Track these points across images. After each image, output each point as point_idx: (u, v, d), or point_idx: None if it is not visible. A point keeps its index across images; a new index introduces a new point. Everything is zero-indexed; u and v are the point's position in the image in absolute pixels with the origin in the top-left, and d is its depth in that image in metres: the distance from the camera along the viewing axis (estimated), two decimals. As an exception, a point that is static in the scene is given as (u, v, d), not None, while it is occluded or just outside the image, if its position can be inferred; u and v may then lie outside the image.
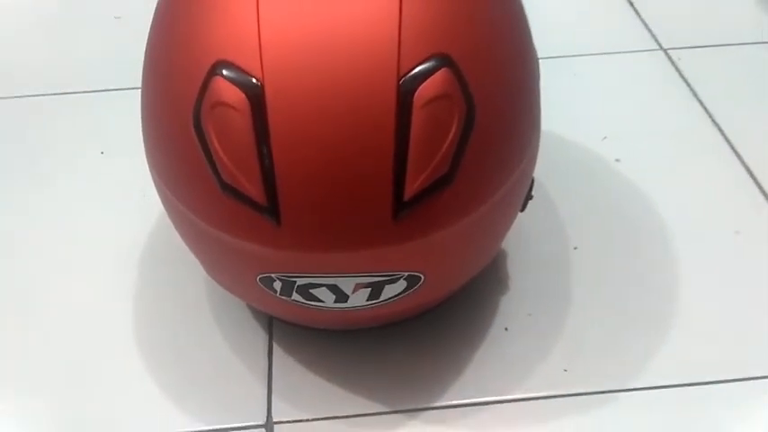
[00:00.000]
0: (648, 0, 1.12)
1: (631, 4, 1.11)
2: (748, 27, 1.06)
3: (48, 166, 0.89)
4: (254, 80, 0.51)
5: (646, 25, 1.07)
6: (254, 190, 0.53)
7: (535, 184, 0.68)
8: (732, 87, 0.96)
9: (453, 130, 0.53)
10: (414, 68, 0.51)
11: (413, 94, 0.51)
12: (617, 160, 0.86)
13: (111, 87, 0.99)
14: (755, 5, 1.10)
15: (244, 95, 0.51)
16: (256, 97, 0.51)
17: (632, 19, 1.09)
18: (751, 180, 0.83)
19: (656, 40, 1.04)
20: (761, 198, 0.81)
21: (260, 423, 0.64)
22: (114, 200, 0.84)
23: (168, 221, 0.66)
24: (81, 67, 1.03)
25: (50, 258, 0.78)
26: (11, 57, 1.06)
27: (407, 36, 0.51)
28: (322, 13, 0.51)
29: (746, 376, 0.66)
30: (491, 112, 0.55)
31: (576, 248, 0.77)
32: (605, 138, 0.89)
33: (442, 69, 0.52)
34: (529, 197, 0.67)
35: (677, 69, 0.99)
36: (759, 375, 0.66)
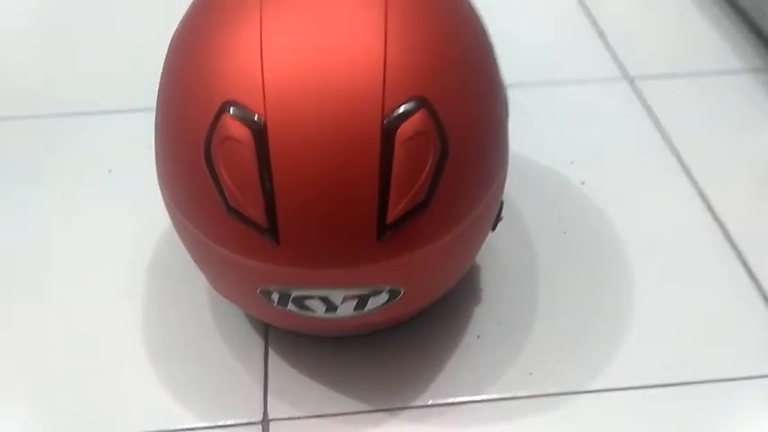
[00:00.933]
0: (618, 31, 1.13)
1: (601, 35, 1.12)
2: (710, 58, 1.08)
3: (59, 184, 0.90)
4: (257, 118, 0.55)
5: (614, 56, 1.08)
6: (257, 213, 0.57)
7: (507, 203, 0.70)
8: (691, 116, 0.98)
9: (429, 163, 0.57)
10: (396, 110, 0.56)
11: (395, 132, 0.55)
12: (582, 183, 0.89)
13: (117, 109, 1.00)
14: (718, 38, 1.12)
15: (249, 131, 0.55)
16: (260, 133, 0.55)
17: (601, 50, 1.10)
18: (702, 202, 0.86)
19: (623, 70, 1.05)
20: (710, 219, 0.84)
21: (257, 420, 0.67)
22: (123, 215, 0.85)
23: (172, 236, 0.68)
24: (88, 90, 1.04)
25: (63, 268, 0.80)
26: (25, 79, 1.07)
27: (390, 82, 0.56)
28: (318, 61, 0.55)
29: (693, 380, 0.70)
30: (463, 147, 0.59)
31: (542, 263, 0.79)
32: (572, 162, 0.92)
33: (420, 111, 0.56)
34: (498, 218, 0.70)
35: (641, 98, 1.00)
36: (703, 380, 0.70)
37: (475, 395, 0.69)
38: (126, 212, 0.86)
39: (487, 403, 0.68)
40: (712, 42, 1.12)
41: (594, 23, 1.16)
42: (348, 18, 0.57)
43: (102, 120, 1.00)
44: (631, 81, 1.04)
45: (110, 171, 0.92)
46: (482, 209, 0.64)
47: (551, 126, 0.98)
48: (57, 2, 1.24)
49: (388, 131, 0.56)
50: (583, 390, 0.69)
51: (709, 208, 0.86)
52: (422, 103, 0.56)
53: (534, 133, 0.94)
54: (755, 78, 1.04)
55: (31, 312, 0.76)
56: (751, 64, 1.07)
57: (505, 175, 0.68)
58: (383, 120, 0.56)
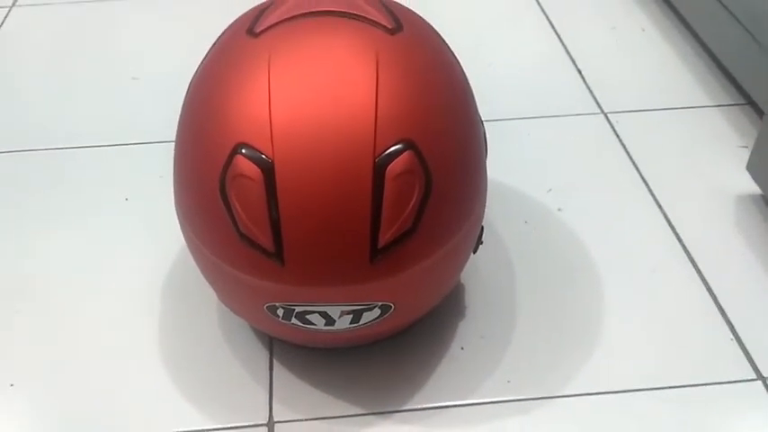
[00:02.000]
0: (595, 68, 1.18)
1: (579, 72, 1.17)
2: (679, 94, 1.12)
3: (81, 211, 0.94)
4: (266, 158, 0.61)
5: (590, 91, 1.12)
6: (265, 239, 0.63)
7: (488, 228, 0.74)
8: (660, 148, 1.02)
9: (415, 196, 0.63)
10: (386, 150, 0.62)
11: (385, 170, 0.62)
12: (559, 209, 0.93)
13: (132, 142, 1.05)
14: (688, 75, 1.16)
15: (259, 170, 0.61)
16: (268, 171, 0.61)
17: (579, 85, 1.14)
18: (669, 228, 0.91)
19: (599, 105, 1.10)
20: (676, 244, 0.89)
21: (263, 422, 0.72)
22: (139, 239, 0.90)
23: (185, 257, 0.73)
24: (107, 125, 1.08)
25: (86, 285, 0.85)
26: (50, 114, 1.11)
27: (381, 127, 0.62)
28: (319, 109, 0.62)
29: (656, 386, 0.74)
30: (445, 182, 0.65)
31: (520, 282, 0.84)
32: (550, 190, 0.96)
33: (407, 151, 0.62)
34: (479, 242, 0.76)
35: (615, 131, 1.05)
36: (665, 386, 0.74)
37: (459, 400, 0.73)
38: (142, 236, 0.91)
39: (470, 407, 0.73)
40: (682, 79, 1.16)
41: (573, 62, 1.20)
42: (345, 72, 0.63)
43: (118, 151, 1.04)
44: (606, 115, 1.08)
45: (126, 199, 0.96)
46: (463, 234, 0.69)
47: (531, 156, 1.02)
48: (77, 40, 1.29)
49: (379, 169, 0.62)
50: (556, 395, 0.74)
51: (675, 232, 0.91)
52: (408, 144, 0.63)
53: (515, 163, 0.99)
54: (721, 113, 1.09)
55: (58, 327, 0.81)
56: (718, 100, 1.11)
57: (484, 204, 0.73)
58: (375, 159, 0.62)
